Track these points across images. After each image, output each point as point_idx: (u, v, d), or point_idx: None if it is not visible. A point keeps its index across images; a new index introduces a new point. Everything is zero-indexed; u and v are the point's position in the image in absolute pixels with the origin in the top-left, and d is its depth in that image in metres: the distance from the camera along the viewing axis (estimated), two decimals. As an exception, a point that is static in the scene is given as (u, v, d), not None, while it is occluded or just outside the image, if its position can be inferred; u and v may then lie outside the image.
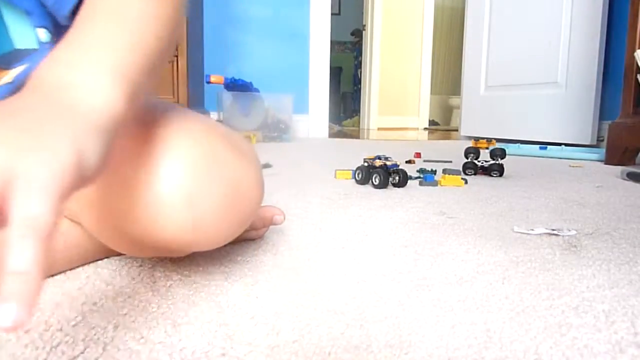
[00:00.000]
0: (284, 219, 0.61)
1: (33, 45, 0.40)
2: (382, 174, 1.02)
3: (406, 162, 1.55)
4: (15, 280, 0.19)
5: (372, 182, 1.05)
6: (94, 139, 0.26)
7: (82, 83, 0.29)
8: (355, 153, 1.91)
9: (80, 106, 0.27)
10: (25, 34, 0.40)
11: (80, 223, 0.46)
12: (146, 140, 0.37)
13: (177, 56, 2.05)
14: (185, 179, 0.36)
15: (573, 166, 1.55)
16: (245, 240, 0.60)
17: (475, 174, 1.26)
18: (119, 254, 0.52)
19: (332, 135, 3.25)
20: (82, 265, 0.49)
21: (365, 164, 1.09)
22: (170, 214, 0.36)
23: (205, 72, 2.64)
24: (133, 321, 0.37)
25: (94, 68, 0.30)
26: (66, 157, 0.24)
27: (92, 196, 0.39)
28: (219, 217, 0.38)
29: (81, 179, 0.25)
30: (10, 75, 0.41)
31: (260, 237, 0.61)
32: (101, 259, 0.51)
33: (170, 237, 0.37)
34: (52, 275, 0.46)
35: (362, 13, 4.82)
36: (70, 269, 0.48)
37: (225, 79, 2.38)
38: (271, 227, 0.67)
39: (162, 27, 0.35)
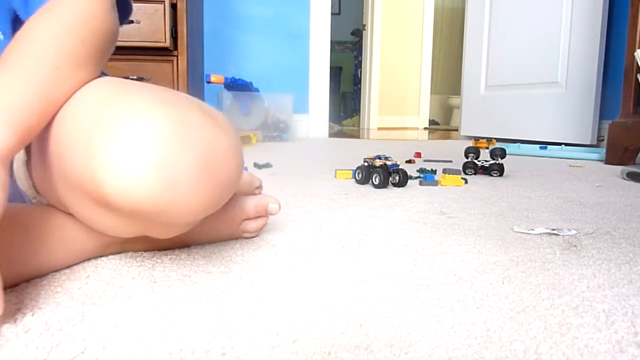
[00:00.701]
0: (280, 208, 0.61)
1: None
2: (382, 174, 1.02)
3: (406, 161, 1.55)
4: None
5: (372, 182, 1.05)
6: None
7: None
8: (355, 153, 1.91)
9: None
10: None
11: (68, 210, 0.46)
12: (118, 105, 0.38)
13: (177, 56, 2.05)
14: (157, 140, 0.36)
15: (573, 166, 1.55)
16: (243, 234, 0.60)
17: (475, 173, 1.26)
18: (118, 251, 0.53)
19: (332, 135, 3.25)
20: (81, 262, 0.49)
21: (365, 164, 1.09)
22: (144, 175, 0.36)
23: (205, 72, 2.64)
24: (133, 321, 0.37)
25: None
26: None
27: (65, 169, 0.40)
28: (194, 179, 0.37)
29: None
30: None
31: (259, 231, 0.61)
32: (100, 256, 0.51)
33: (146, 200, 0.36)
34: (52, 272, 0.46)
35: (362, 13, 4.82)
36: (69, 267, 0.48)
37: (225, 78, 2.38)
38: (271, 226, 0.67)
39: (69, 56, 0.43)
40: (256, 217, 0.60)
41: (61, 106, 0.42)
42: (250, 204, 0.60)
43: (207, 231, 0.57)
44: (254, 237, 0.62)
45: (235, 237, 0.60)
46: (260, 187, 0.74)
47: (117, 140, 0.36)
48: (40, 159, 0.45)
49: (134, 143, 0.36)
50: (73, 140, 0.39)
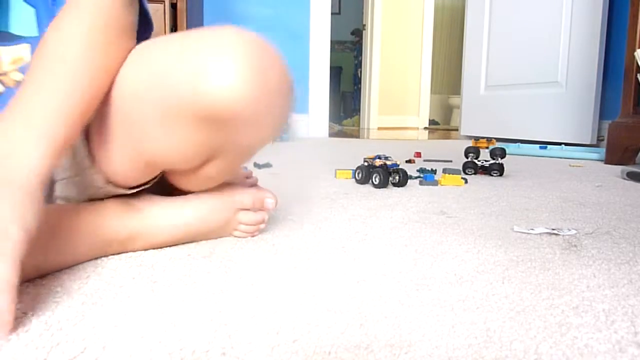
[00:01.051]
0: (276, 203, 0.61)
1: (31, 33, 0.51)
2: (382, 174, 1.02)
3: (406, 161, 1.55)
4: None
5: (372, 181, 1.05)
6: (30, 205, 0.36)
7: (13, 154, 0.38)
8: (355, 153, 1.91)
9: (14, 177, 0.37)
10: (25, 23, 0.51)
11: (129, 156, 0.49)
12: (203, 33, 0.44)
13: (177, 56, 2.04)
14: (254, 49, 0.43)
15: (573, 166, 1.55)
16: (239, 226, 0.60)
17: (475, 173, 1.26)
18: (118, 251, 0.52)
19: (332, 134, 3.25)
20: (87, 260, 0.49)
21: (365, 164, 1.09)
22: (248, 76, 0.41)
23: (205, 72, 2.63)
24: (133, 321, 0.37)
25: (25, 138, 0.39)
26: (17, 236, 0.35)
27: (145, 105, 0.45)
28: (277, 90, 0.44)
29: (29, 239, 0.36)
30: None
31: (257, 226, 0.61)
32: (100, 257, 0.51)
33: (243, 99, 0.42)
34: (52, 272, 0.46)
35: (362, 13, 4.82)
36: (69, 267, 0.48)
37: (225, 78, 2.37)
38: (271, 226, 0.67)
39: (102, 66, 0.45)
40: (254, 211, 0.61)
41: (98, 95, 0.45)
42: (246, 195, 0.60)
43: (204, 216, 0.57)
44: (254, 235, 0.62)
45: (233, 228, 0.60)
46: (250, 176, 0.73)
47: (221, 51, 0.42)
48: (100, 118, 0.48)
49: (238, 52, 0.42)
50: (162, 73, 0.44)
